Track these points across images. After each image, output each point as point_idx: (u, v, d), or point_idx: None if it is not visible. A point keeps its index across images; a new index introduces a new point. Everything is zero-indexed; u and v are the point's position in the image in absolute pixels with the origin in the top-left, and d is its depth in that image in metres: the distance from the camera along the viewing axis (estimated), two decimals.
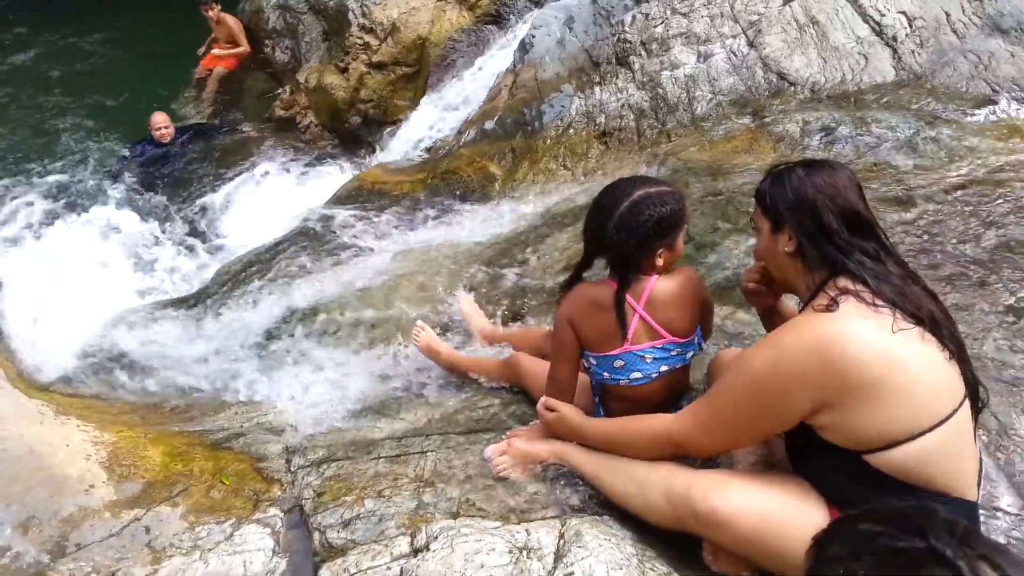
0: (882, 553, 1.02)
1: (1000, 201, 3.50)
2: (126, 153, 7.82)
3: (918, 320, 1.73)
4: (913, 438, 1.67)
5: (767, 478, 1.95)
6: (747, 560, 1.91)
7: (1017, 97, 4.44)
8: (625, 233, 2.20)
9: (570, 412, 2.31)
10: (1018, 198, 3.49)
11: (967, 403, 1.75)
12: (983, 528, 1.99)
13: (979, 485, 1.81)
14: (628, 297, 2.27)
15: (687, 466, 2.02)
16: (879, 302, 1.73)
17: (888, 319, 1.71)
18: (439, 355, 3.20)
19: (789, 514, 1.82)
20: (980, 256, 3.15)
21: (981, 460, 1.86)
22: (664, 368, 2.33)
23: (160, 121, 7.60)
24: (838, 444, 1.75)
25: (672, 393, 2.45)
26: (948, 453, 1.70)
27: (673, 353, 2.32)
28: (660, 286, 2.27)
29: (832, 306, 1.75)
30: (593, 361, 2.36)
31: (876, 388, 1.67)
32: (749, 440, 1.99)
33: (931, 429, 1.68)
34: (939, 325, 1.76)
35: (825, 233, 1.84)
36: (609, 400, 2.45)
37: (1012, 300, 2.86)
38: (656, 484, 2.00)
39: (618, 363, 2.31)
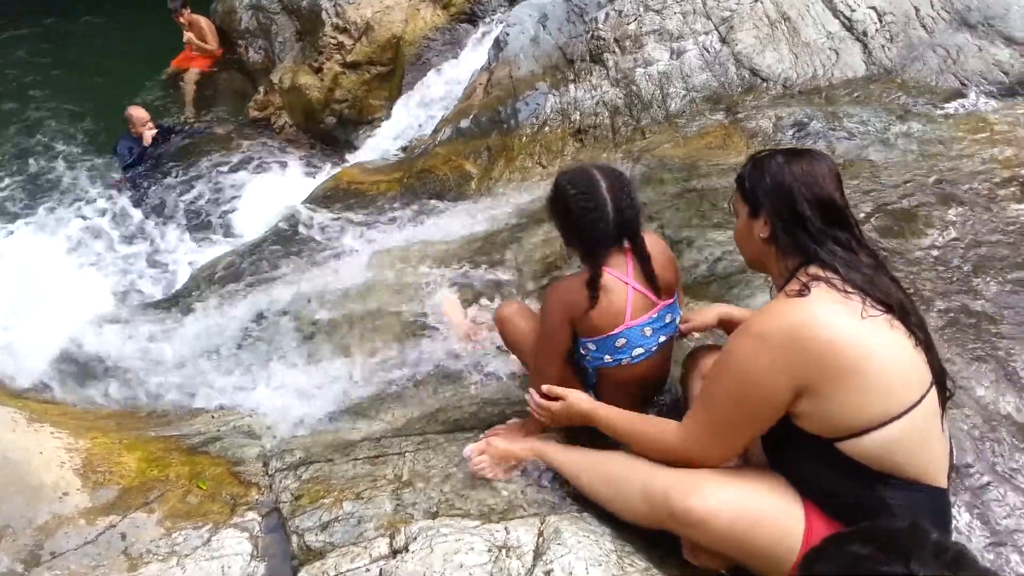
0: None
1: (970, 194, 3.55)
2: (103, 152, 7.76)
3: (887, 307, 1.76)
4: (883, 425, 1.70)
5: (743, 475, 1.96)
6: (726, 556, 1.93)
7: (985, 90, 4.49)
8: (588, 219, 2.29)
9: (576, 398, 2.24)
10: (989, 191, 3.54)
11: (934, 391, 1.78)
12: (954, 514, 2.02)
13: (950, 474, 1.84)
14: (617, 274, 2.31)
15: (664, 465, 2.03)
16: (849, 288, 1.77)
17: (858, 305, 1.74)
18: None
19: (765, 511, 1.83)
20: (952, 255, 3.19)
21: (952, 448, 1.89)
22: (663, 339, 2.39)
23: (142, 117, 7.50)
24: (812, 432, 1.77)
25: (663, 371, 2.53)
26: (915, 440, 1.73)
27: (667, 321, 2.39)
28: (638, 256, 2.35)
29: (804, 291, 1.78)
30: (592, 347, 2.37)
31: (851, 373, 1.70)
32: (752, 435, 1.95)
33: (899, 416, 1.70)
34: (908, 313, 1.79)
35: (799, 221, 1.86)
36: (605, 385, 2.46)
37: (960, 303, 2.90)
38: (634, 485, 2.00)
39: (620, 342, 2.33)
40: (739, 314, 2.49)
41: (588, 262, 2.34)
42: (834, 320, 1.73)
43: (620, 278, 2.32)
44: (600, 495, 2.14)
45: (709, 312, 2.56)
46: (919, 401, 1.73)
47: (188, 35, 8.86)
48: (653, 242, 2.40)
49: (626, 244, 2.36)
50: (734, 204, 2.06)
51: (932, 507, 1.77)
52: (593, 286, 2.29)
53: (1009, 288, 2.93)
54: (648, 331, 2.35)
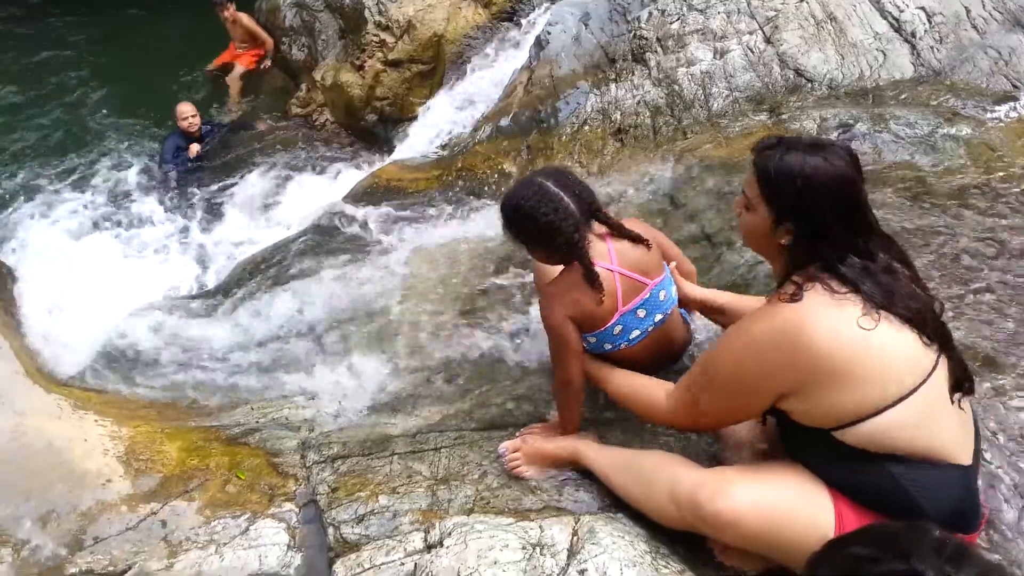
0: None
1: (1020, 199, 3.46)
2: (152, 148, 7.86)
3: (906, 320, 1.75)
4: (878, 413, 1.73)
5: (769, 471, 1.95)
6: (758, 555, 1.91)
7: None
8: (556, 220, 2.28)
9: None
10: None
11: (937, 372, 1.78)
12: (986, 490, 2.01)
13: (977, 449, 1.84)
14: (601, 264, 2.32)
15: (692, 464, 2.03)
16: (843, 289, 1.77)
17: (854, 309, 1.74)
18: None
19: (794, 506, 1.83)
20: (997, 256, 3.12)
21: (977, 426, 1.90)
22: (659, 317, 2.42)
23: (187, 111, 7.57)
24: (807, 424, 1.82)
25: (673, 341, 2.56)
26: (917, 422, 1.74)
27: (660, 298, 2.41)
28: (617, 240, 2.38)
29: (797, 295, 1.79)
30: (592, 339, 2.39)
31: (840, 375, 1.73)
32: (730, 422, 2.15)
33: (896, 403, 1.72)
34: (925, 324, 1.78)
35: (823, 232, 1.83)
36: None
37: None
38: (662, 487, 2.00)
39: (617, 329, 2.37)
40: (723, 301, 2.58)
41: (574, 260, 2.33)
42: (826, 326, 1.74)
43: (605, 267, 2.33)
44: (631, 495, 2.14)
45: (694, 292, 2.62)
46: (918, 387, 1.73)
47: (231, 34, 8.97)
48: (632, 223, 2.45)
49: (603, 229, 2.38)
50: (746, 190, 1.98)
51: (948, 482, 1.76)
52: (591, 279, 2.29)
53: None
54: (642, 313, 2.38)
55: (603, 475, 2.24)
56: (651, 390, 2.21)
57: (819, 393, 1.76)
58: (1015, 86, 4.47)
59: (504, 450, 2.41)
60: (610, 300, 2.32)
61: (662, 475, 2.03)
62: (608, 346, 2.40)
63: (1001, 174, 3.66)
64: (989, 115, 4.24)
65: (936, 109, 4.30)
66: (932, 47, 4.80)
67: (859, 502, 1.80)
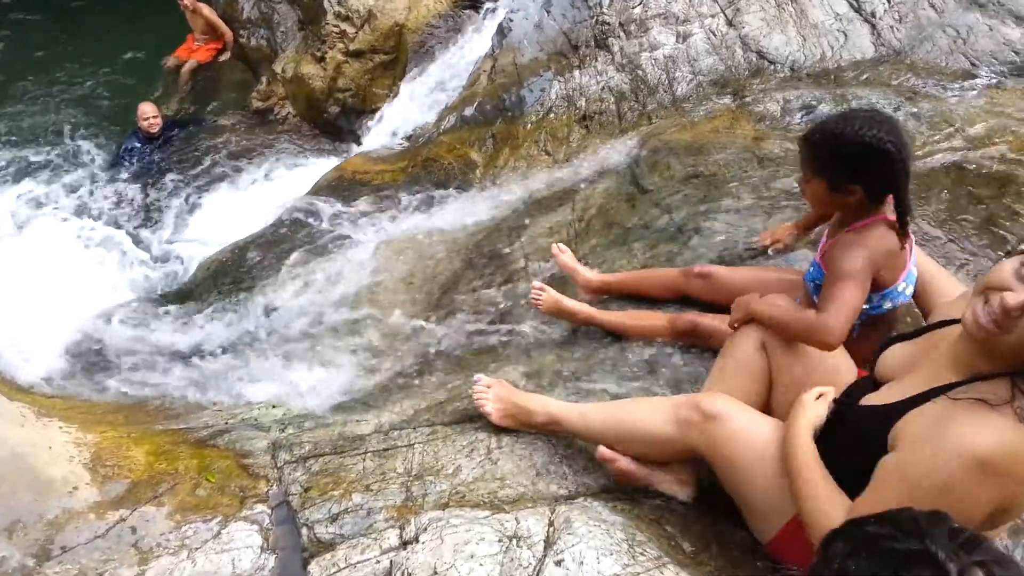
0: (879, 552, 1.04)
1: (983, 174, 3.51)
2: (113, 147, 7.73)
3: None
4: None
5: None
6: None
7: (996, 70, 4.44)
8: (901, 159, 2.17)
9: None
10: (1004, 170, 3.50)
11: None
12: None
13: None
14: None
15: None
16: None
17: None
18: (574, 314, 3.06)
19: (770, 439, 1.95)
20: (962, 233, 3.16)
21: None
22: (910, 291, 2.36)
23: (148, 111, 7.49)
24: None
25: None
26: None
27: (913, 273, 2.37)
28: None
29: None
30: (875, 298, 2.30)
31: None
32: None
33: None
34: None
35: None
36: (864, 336, 2.39)
37: None
38: (660, 414, 2.13)
39: (902, 285, 2.31)
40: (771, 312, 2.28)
41: (882, 201, 2.25)
42: None
43: (888, 219, 2.27)
44: (620, 427, 2.20)
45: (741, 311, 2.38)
46: None
47: (191, 24, 8.80)
48: None
49: None
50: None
51: None
52: (903, 225, 2.22)
53: None
54: (913, 269, 2.34)
55: (582, 427, 2.28)
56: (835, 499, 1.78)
57: None
58: (974, 64, 4.52)
59: (480, 378, 2.47)
60: (902, 257, 2.28)
61: (657, 399, 2.27)
62: (888, 304, 2.32)
63: (962, 152, 3.71)
64: (949, 93, 4.29)
65: (897, 88, 4.34)
66: (892, 27, 4.84)
67: None
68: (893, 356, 1.91)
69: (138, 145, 7.51)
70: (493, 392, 2.46)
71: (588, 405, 2.36)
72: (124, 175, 7.29)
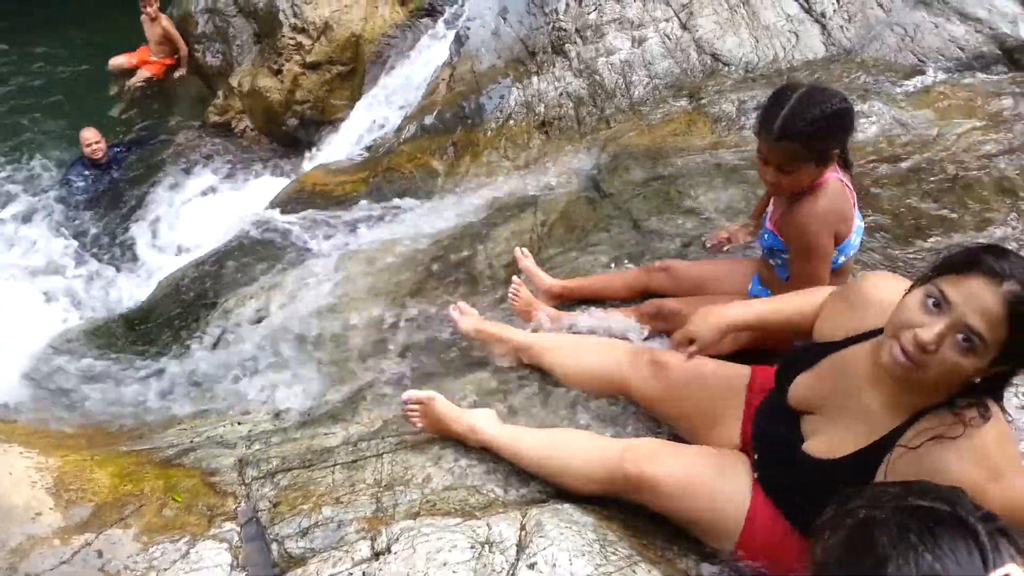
0: (906, 507, 1.03)
1: (935, 169, 3.59)
2: (60, 175, 7.51)
3: None
4: None
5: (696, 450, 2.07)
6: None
7: (943, 67, 4.55)
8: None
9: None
10: (953, 166, 3.58)
11: None
12: None
13: None
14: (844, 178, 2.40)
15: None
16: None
17: None
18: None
19: (713, 484, 1.97)
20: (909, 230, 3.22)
21: None
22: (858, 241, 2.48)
23: (90, 137, 7.26)
24: None
25: None
26: None
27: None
28: None
29: (986, 415, 1.56)
30: (834, 253, 2.42)
31: None
32: None
33: None
34: None
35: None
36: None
37: None
38: (589, 453, 2.16)
39: (854, 237, 2.43)
40: (758, 317, 2.16)
41: (831, 163, 2.36)
42: None
43: (847, 181, 2.40)
44: (549, 466, 2.22)
45: (712, 330, 2.16)
46: None
47: (147, 34, 8.63)
48: None
49: None
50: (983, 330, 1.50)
51: None
52: (849, 166, 2.41)
53: None
54: (859, 221, 2.45)
55: (508, 448, 2.30)
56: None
57: None
58: (921, 61, 4.63)
59: (408, 397, 2.47)
60: (852, 206, 2.40)
61: (587, 443, 2.20)
62: (842, 258, 2.43)
63: (911, 148, 3.79)
64: (899, 90, 4.38)
65: (849, 86, 4.43)
66: (842, 26, 4.94)
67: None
68: (804, 387, 1.90)
69: (84, 172, 7.30)
70: (423, 412, 2.46)
71: (521, 434, 2.34)
72: (71, 203, 7.07)
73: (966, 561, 0.93)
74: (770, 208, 2.57)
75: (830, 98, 2.26)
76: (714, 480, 1.99)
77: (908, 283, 1.64)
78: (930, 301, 1.49)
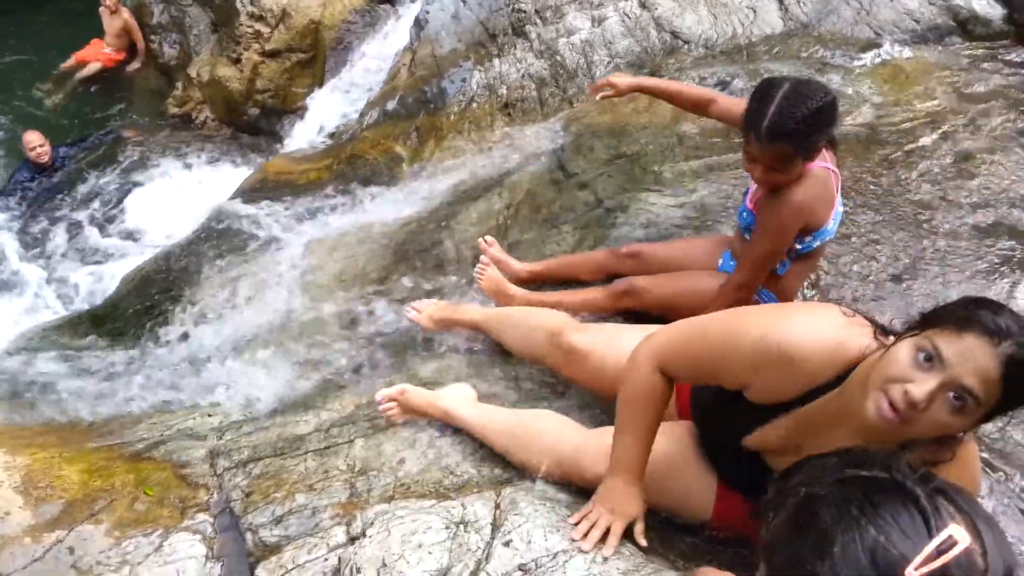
0: (845, 479, 1.03)
1: (888, 140, 3.64)
2: (1, 184, 7.17)
3: None
4: None
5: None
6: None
7: (899, 39, 4.61)
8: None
9: None
10: (910, 139, 3.64)
11: None
12: None
13: None
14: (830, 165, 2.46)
15: (577, 425, 2.27)
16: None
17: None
18: (512, 297, 3.09)
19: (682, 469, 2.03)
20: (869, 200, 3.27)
21: None
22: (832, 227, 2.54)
23: (33, 140, 6.93)
24: None
25: None
26: None
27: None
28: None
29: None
30: (809, 238, 2.48)
31: None
32: None
33: None
34: None
35: None
36: (794, 271, 2.61)
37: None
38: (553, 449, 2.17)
39: (831, 224, 2.49)
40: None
41: (817, 155, 2.39)
42: None
43: (832, 168, 2.46)
44: (513, 454, 2.26)
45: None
46: None
47: (105, 26, 8.40)
48: None
49: None
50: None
51: None
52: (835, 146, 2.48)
53: None
54: (840, 206, 2.52)
55: (479, 431, 2.35)
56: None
57: None
58: (877, 33, 4.68)
59: (381, 397, 2.52)
60: (834, 195, 2.47)
61: (555, 427, 2.24)
62: (817, 243, 2.50)
63: (872, 118, 3.84)
64: (856, 63, 4.43)
65: (807, 61, 4.47)
66: (799, 1, 4.97)
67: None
68: (764, 437, 1.81)
69: (28, 176, 6.99)
70: (397, 405, 2.51)
71: (491, 415, 2.39)
72: (19, 212, 6.78)
73: (909, 527, 0.93)
74: (751, 187, 2.59)
75: (815, 93, 2.26)
76: (681, 470, 2.03)
77: (831, 311, 1.68)
78: (922, 355, 1.41)
